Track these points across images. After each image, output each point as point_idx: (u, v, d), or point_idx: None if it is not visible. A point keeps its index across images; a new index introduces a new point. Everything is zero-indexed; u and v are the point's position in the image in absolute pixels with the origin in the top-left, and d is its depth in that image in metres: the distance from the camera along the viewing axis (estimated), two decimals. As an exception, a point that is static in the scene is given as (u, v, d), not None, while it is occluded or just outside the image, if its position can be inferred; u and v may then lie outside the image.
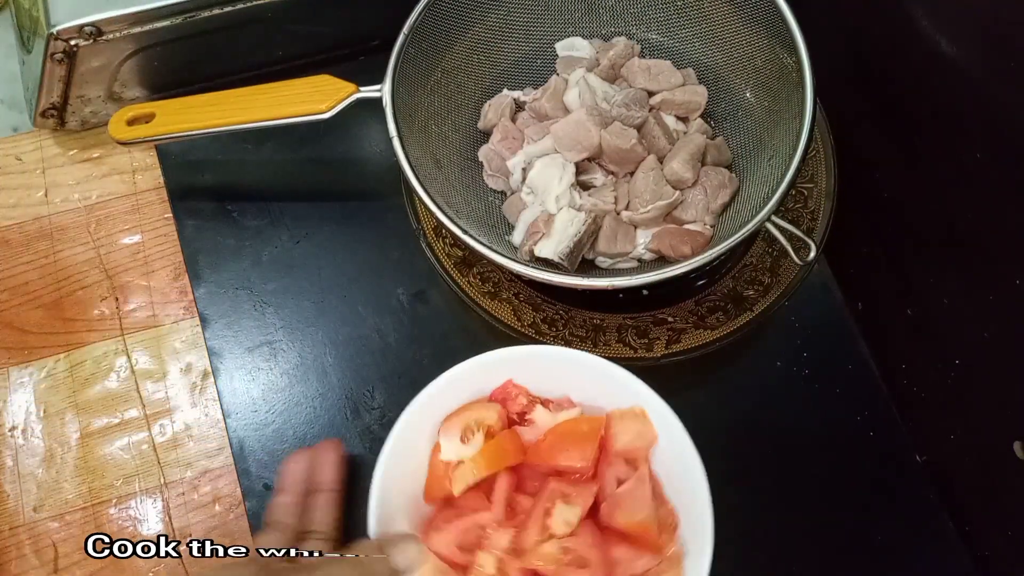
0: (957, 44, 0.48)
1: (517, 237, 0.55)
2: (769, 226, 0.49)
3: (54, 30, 0.54)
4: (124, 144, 0.57)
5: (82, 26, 0.55)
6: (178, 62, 0.61)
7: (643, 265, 0.55)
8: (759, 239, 0.58)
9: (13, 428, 0.57)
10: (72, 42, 0.55)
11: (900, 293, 0.57)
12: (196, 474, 0.56)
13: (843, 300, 0.61)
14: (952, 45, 0.48)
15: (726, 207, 0.55)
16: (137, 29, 0.57)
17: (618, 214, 0.55)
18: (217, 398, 0.57)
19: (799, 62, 0.51)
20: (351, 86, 0.55)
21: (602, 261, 0.56)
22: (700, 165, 0.55)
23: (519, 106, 0.60)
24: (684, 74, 0.58)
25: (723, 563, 0.53)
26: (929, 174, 0.53)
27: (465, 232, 0.50)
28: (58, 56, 0.56)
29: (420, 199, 0.51)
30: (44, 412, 0.57)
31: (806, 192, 0.58)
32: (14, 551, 0.54)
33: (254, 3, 0.58)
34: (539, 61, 0.61)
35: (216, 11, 0.57)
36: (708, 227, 0.54)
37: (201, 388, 0.58)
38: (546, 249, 0.53)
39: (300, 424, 0.57)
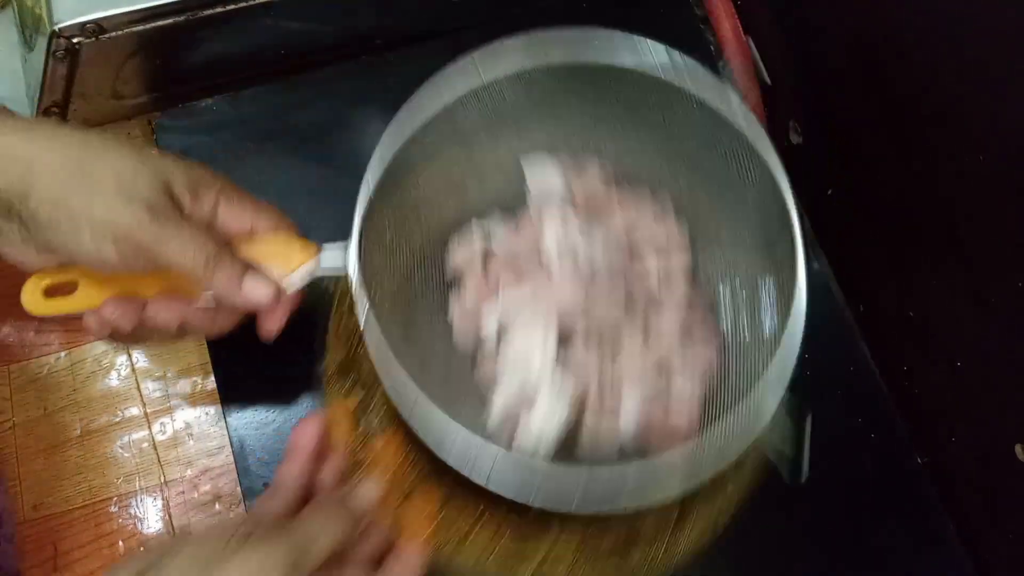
0: (959, 44, 0.48)
1: (494, 420, 0.50)
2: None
3: (56, 27, 0.54)
4: (40, 319, 0.47)
5: (84, 24, 0.55)
6: (180, 61, 0.61)
7: (624, 452, 0.50)
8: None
9: (14, 426, 0.57)
10: (74, 40, 0.55)
11: (901, 295, 0.57)
12: (196, 473, 0.56)
13: (844, 302, 0.61)
14: (954, 45, 0.48)
15: (711, 377, 0.51)
16: (139, 27, 0.57)
17: (601, 395, 0.50)
18: (218, 396, 0.57)
19: (791, 237, 0.46)
20: (311, 249, 0.48)
21: (583, 447, 0.50)
22: (687, 336, 0.52)
23: (490, 249, 0.54)
24: (663, 205, 0.54)
25: (722, 564, 0.53)
26: (931, 175, 0.53)
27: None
28: (60, 54, 0.56)
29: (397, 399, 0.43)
30: (45, 410, 0.57)
31: (808, 194, 0.58)
32: (13, 549, 0.54)
33: (257, 1, 0.58)
34: (502, 179, 0.55)
35: (219, 9, 0.57)
36: (696, 400, 0.50)
37: (202, 386, 0.58)
38: (529, 439, 0.48)
39: (301, 423, 0.57)
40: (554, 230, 0.51)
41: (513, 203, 0.55)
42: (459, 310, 0.53)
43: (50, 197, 0.41)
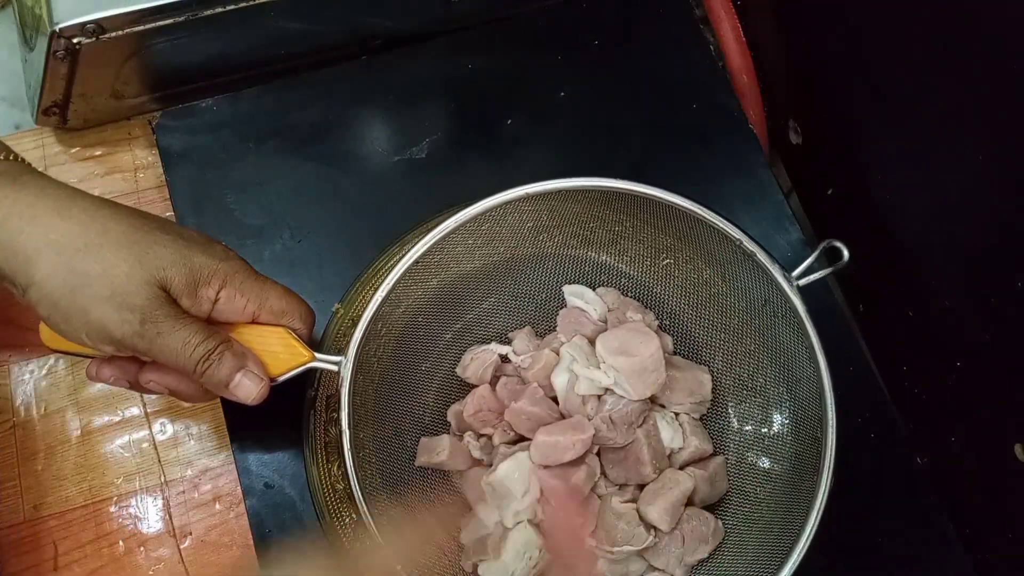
0: (959, 44, 0.48)
1: (465, 538, 0.50)
2: None
3: (57, 27, 0.54)
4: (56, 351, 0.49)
5: (84, 24, 0.55)
6: (181, 60, 0.61)
7: None
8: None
9: (14, 426, 0.57)
10: (75, 40, 0.55)
11: (901, 295, 0.57)
12: (196, 472, 0.56)
13: (844, 301, 0.61)
14: (955, 45, 0.48)
15: (703, 563, 0.50)
16: (139, 27, 0.57)
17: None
18: (218, 396, 0.57)
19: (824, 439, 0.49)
20: (304, 356, 0.48)
21: None
22: (683, 509, 0.50)
23: (504, 359, 0.54)
24: (698, 380, 0.53)
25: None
26: (930, 175, 0.53)
27: None
28: (60, 54, 0.56)
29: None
30: (45, 410, 0.57)
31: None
32: (13, 549, 0.54)
33: (257, 1, 0.58)
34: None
35: (219, 9, 0.57)
36: None
37: (202, 386, 0.58)
38: (492, 573, 0.48)
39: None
40: (568, 370, 0.51)
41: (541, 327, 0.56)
42: (455, 419, 0.54)
43: (48, 299, 0.42)
